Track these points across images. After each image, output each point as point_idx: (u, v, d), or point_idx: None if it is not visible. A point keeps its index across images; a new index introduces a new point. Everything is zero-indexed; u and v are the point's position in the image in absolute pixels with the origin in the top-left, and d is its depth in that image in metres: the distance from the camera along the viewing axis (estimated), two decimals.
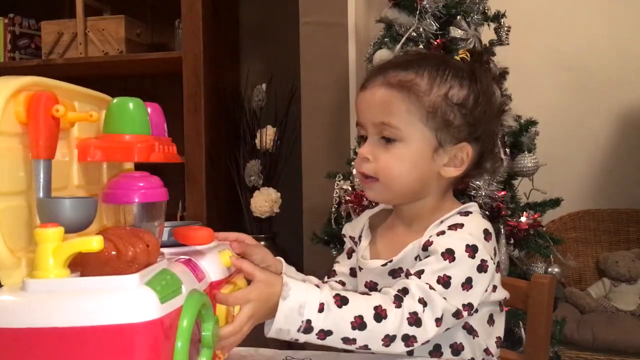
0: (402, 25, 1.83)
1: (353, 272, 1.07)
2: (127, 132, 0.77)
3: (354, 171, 1.87)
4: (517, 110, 1.84)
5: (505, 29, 1.89)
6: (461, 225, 0.90)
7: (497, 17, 1.89)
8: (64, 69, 2.59)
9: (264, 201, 2.51)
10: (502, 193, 1.71)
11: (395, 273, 0.94)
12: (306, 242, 2.26)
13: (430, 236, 0.91)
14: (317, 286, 0.83)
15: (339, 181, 1.94)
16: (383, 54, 1.84)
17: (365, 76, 1.00)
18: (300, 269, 1.03)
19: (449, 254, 0.86)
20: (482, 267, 0.88)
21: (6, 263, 0.66)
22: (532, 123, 1.86)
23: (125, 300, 0.63)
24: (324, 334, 0.80)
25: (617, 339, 2.03)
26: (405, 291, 0.84)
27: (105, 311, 0.62)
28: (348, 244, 1.09)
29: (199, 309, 0.71)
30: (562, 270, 1.90)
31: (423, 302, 0.83)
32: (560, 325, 1.86)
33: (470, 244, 0.87)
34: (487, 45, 1.89)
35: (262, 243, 2.51)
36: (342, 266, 1.09)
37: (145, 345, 0.63)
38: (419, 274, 0.86)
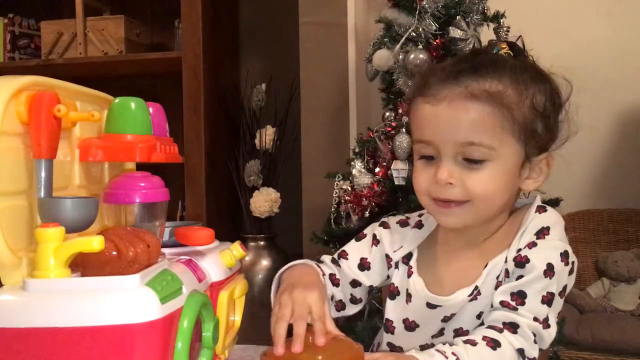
0: (401, 26, 1.83)
1: (355, 283, 0.98)
2: (129, 132, 0.77)
3: (354, 171, 1.87)
4: None
5: (505, 29, 1.89)
6: (547, 230, 0.86)
7: (497, 17, 1.89)
8: (64, 69, 2.59)
9: (264, 201, 2.51)
10: None
11: (472, 295, 0.88)
12: (306, 242, 2.26)
13: (519, 250, 0.86)
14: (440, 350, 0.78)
15: (339, 181, 1.94)
16: (383, 54, 1.84)
17: (421, 82, 0.89)
18: None
19: (549, 270, 0.83)
20: (572, 270, 0.86)
21: (7, 263, 0.67)
22: None
23: (125, 301, 0.63)
24: None
25: (616, 338, 2.03)
26: (514, 326, 0.81)
27: (106, 311, 0.62)
28: (379, 254, 0.99)
29: (200, 310, 0.71)
30: None
31: (535, 341, 0.81)
32: (560, 325, 1.85)
33: (562, 252, 0.84)
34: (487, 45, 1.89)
35: (262, 243, 2.54)
36: (352, 262, 0.99)
37: (146, 346, 0.63)
38: (522, 298, 0.82)
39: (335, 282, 0.98)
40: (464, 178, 0.84)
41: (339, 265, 1.00)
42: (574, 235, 2.48)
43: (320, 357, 0.74)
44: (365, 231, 1.03)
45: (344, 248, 1.02)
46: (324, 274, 0.97)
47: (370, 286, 1.00)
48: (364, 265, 0.99)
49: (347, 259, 1.00)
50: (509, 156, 0.84)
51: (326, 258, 1.02)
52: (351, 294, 1.00)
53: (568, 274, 0.85)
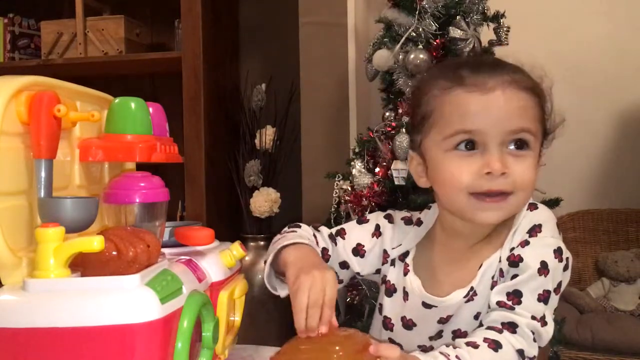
0: (401, 26, 1.83)
1: (344, 264, 0.99)
2: (129, 132, 0.77)
3: (354, 171, 1.87)
4: None
5: (505, 29, 1.89)
6: (539, 227, 0.86)
7: (497, 17, 1.89)
8: (64, 69, 2.59)
9: (264, 201, 2.51)
10: None
11: (468, 296, 0.88)
12: None
13: (513, 248, 0.86)
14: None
15: (339, 181, 1.94)
16: (383, 54, 1.84)
17: (453, 75, 0.86)
18: None
19: (544, 268, 0.83)
20: (567, 266, 0.86)
21: (7, 263, 0.67)
22: None
23: (125, 301, 0.63)
24: None
25: (616, 338, 2.03)
26: (514, 325, 0.81)
27: (106, 311, 0.62)
28: (377, 247, 0.98)
29: (200, 310, 0.71)
30: None
31: (534, 339, 0.82)
32: (560, 325, 1.86)
33: (555, 248, 0.84)
34: (487, 45, 1.89)
35: (262, 243, 2.54)
36: (348, 244, 0.98)
37: (146, 346, 0.63)
38: (518, 297, 0.82)
39: (325, 257, 0.98)
40: (511, 167, 0.82)
41: (335, 243, 0.99)
42: (574, 235, 2.48)
43: (337, 348, 0.74)
44: (368, 216, 1.02)
45: (344, 226, 1.01)
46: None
47: (357, 272, 1.00)
48: (358, 251, 0.99)
49: (344, 238, 1.00)
50: (538, 148, 0.86)
51: (324, 230, 1.01)
52: (335, 273, 1.00)
53: (563, 270, 0.86)
